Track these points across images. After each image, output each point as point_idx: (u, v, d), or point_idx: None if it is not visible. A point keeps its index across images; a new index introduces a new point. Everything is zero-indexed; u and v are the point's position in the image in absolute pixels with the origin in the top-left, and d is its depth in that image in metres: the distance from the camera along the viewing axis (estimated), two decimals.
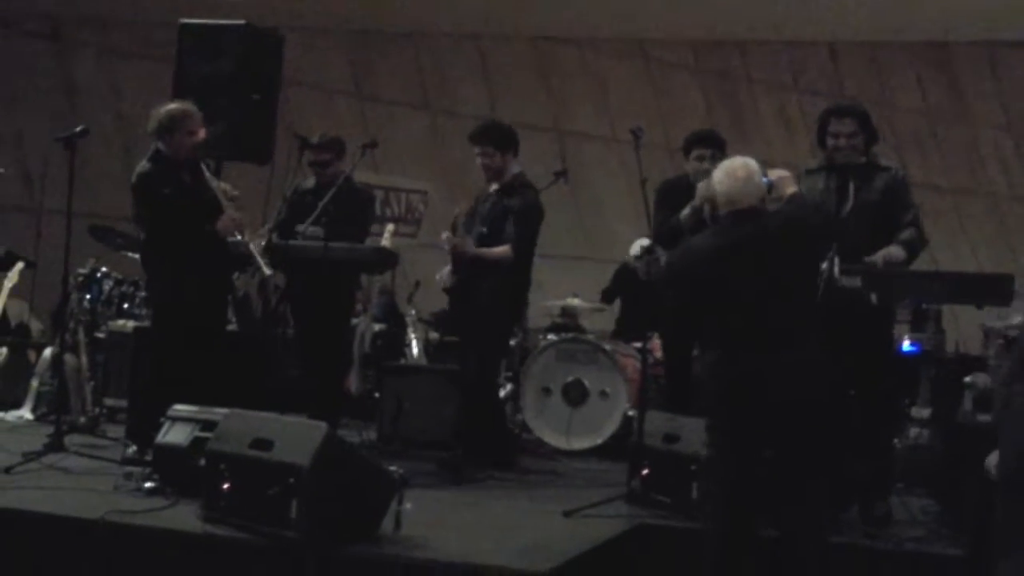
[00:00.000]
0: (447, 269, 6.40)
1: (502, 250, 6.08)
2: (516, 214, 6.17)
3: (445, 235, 6.05)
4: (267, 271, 5.88)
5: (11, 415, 7.18)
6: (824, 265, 4.85)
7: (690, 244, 4.66)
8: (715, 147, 6.21)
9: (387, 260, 6.58)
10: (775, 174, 4.71)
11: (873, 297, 4.96)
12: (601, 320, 8.64)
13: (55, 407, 6.33)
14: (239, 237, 5.84)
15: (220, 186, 5.89)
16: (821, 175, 5.34)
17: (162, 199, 5.86)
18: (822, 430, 4.30)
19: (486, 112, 12.95)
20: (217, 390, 5.46)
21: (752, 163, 4.54)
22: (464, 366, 6.39)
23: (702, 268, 4.47)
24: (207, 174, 5.90)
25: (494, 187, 6.42)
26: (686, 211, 5.96)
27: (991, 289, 5.10)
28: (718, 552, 4.32)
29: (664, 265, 4.73)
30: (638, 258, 7.98)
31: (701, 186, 5.54)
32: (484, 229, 6.33)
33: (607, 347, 7.33)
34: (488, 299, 6.21)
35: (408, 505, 4.60)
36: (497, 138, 6.45)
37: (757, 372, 4.25)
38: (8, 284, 7.64)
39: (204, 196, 5.87)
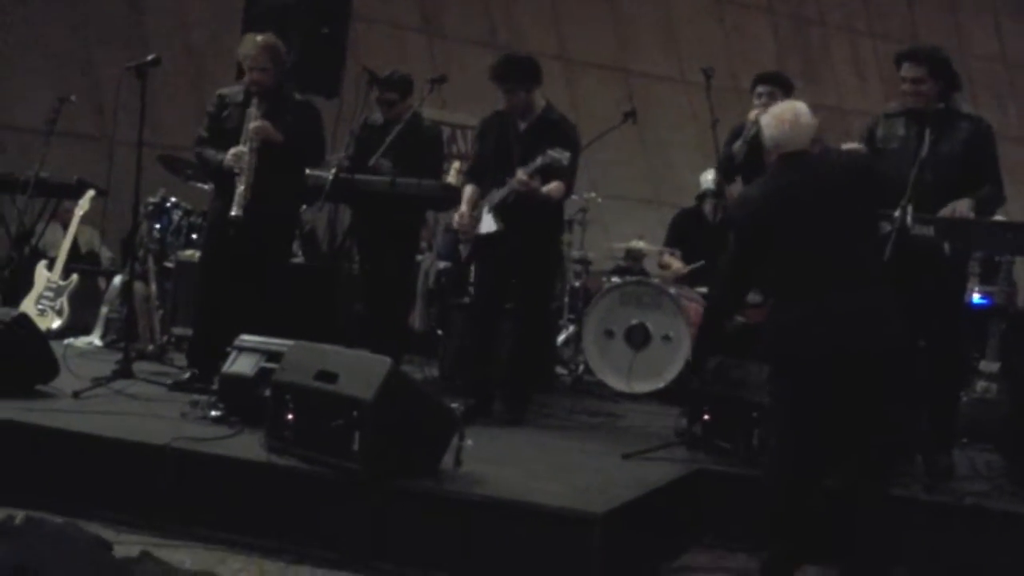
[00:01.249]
0: (487, 214, 6.09)
1: (557, 186, 5.98)
2: (567, 149, 5.91)
3: (520, 172, 5.87)
4: (236, 211, 5.83)
5: (81, 340, 7.31)
6: (896, 213, 4.76)
7: (744, 192, 4.63)
8: (778, 86, 6.14)
9: (453, 197, 6.57)
10: (848, 147, 4.68)
11: (946, 247, 4.86)
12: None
13: (124, 334, 6.44)
14: (237, 173, 5.85)
15: (254, 124, 5.88)
16: (900, 120, 5.20)
17: (204, 125, 6.12)
18: (888, 380, 4.23)
19: (554, 50, 12.86)
20: (283, 322, 5.52)
21: (801, 107, 4.48)
22: (524, 303, 6.25)
23: (755, 216, 4.43)
24: (253, 109, 5.91)
25: (523, 125, 6.09)
26: (739, 143, 5.96)
27: None
28: (779, 504, 4.29)
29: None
30: (701, 197, 7.92)
31: (757, 121, 5.55)
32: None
33: (671, 291, 7.29)
34: (545, 237, 6.14)
35: (469, 442, 4.63)
36: (518, 76, 6.05)
37: (813, 318, 4.19)
38: (79, 212, 7.74)
39: (237, 128, 5.92)
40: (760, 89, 6.15)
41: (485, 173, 6.15)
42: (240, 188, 5.82)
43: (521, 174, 5.82)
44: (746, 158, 5.94)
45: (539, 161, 5.78)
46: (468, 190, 6.21)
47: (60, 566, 0.68)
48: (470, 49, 12.81)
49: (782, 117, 4.43)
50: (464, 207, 6.15)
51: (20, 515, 0.96)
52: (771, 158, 4.47)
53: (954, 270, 5.18)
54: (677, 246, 7.93)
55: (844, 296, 4.20)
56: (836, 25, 16.01)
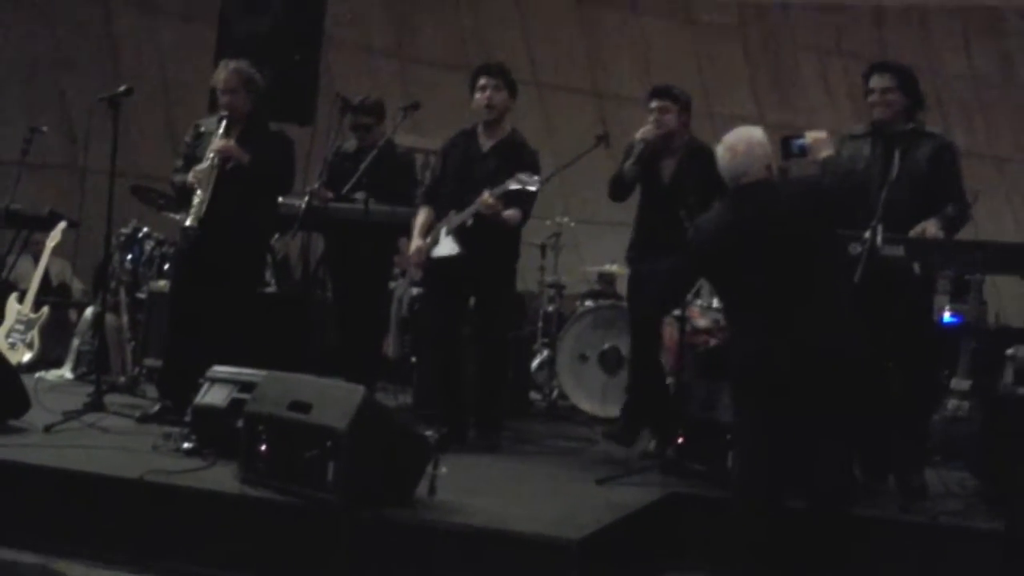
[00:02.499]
0: (446, 236, 5.97)
1: (514, 213, 5.88)
2: (533, 174, 5.84)
3: (486, 194, 5.82)
4: (190, 222, 5.81)
5: (52, 374, 7.27)
6: (867, 234, 4.80)
7: (699, 222, 4.56)
8: (671, 100, 5.93)
9: None
10: (812, 135, 4.63)
11: (916, 266, 4.89)
12: None
13: (95, 366, 6.40)
14: (194, 187, 5.84)
15: (217, 143, 5.87)
16: (867, 141, 5.23)
17: (180, 154, 6.18)
18: (847, 391, 4.22)
19: (527, 74, 12.88)
20: (255, 352, 5.50)
21: (755, 134, 4.42)
22: (484, 328, 6.13)
23: (706, 248, 4.42)
24: (219, 130, 5.91)
25: (487, 145, 6.01)
26: (628, 163, 5.87)
27: None
28: (749, 524, 4.30)
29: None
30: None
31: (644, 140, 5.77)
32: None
33: None
34: (505, 262, 6.07)
35: (443, 470, 4.62)
36: (506, 76, 6.01)
37: (771, 350, 4.18)
38: (51, 243, 7.71)
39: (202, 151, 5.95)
40: (653, 104, 5.92)
41: (441, 195, 6.10)
42: (195, 200, 5.79)
43: (488, 196, 5.78)
44: (638, 177, 5.90)
45: (508, 185, 5.77)
46: (423, 214, 6.13)
47: None
48: (443, 74, 12.83)
49: (735, 148, 4.37)
50: (418, 240, 6.03)
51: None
52: (728, 185, 4.41)
53: (923, 289, 5.22)
54: None
55: (799, 317, 4.18)
56: (805, 45, 16.12)
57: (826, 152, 4.56)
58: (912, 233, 4.95)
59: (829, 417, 4.24)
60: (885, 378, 5.05)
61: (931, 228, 4.96)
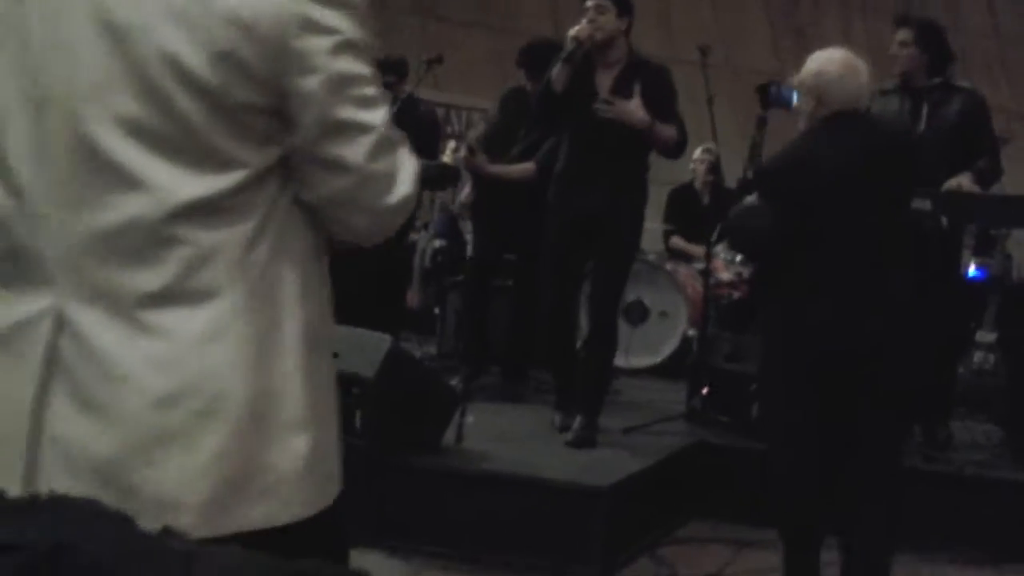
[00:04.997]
0: None
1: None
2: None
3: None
4: None
5: None
6: None
7: (786, 152, 3.85)
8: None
9: (448, 176, 6.58)
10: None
11: (944, 220, 4.88)
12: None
13: None
14: None
15: None
16: (895, 96, 5.20)
17: None
18: (907, 384, 3.78)
19: (550, 31, 12.82)
20: None
21: (857, 59, 3.80)
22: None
23: (799, 180, 3.67)
24: None
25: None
26: (556, 67, 4.92)
27: None
28: (788, 515, 3.82)
29: (759, 173, 3.92)
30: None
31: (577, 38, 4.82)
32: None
33: (668, 267, 7.31)
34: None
35: (470, 418, 4.65)
36: None
37: (836, 311, 3.58)
38: None
39: None
40: (588, 2, 4.97)
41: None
42: None
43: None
44: (569, 89, 4.90)
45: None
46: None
47: (92, 540, 0.69)
48: (463, 31, 12.78)
49: (845, 64, 3.73)
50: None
51: (44, 492, 1.00)
52: (815, 111, 3.73)
53: (950, 243, 5.20)
54: (674, 222, 7.96)
55: (867, 288, 3.62)
56: (828, 1, 15.99)
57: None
58: (948, 187, 4.92)
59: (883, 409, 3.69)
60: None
61: (965, 182, 4.93)
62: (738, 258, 6.91)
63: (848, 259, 3.60)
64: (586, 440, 4.89)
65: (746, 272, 6.79)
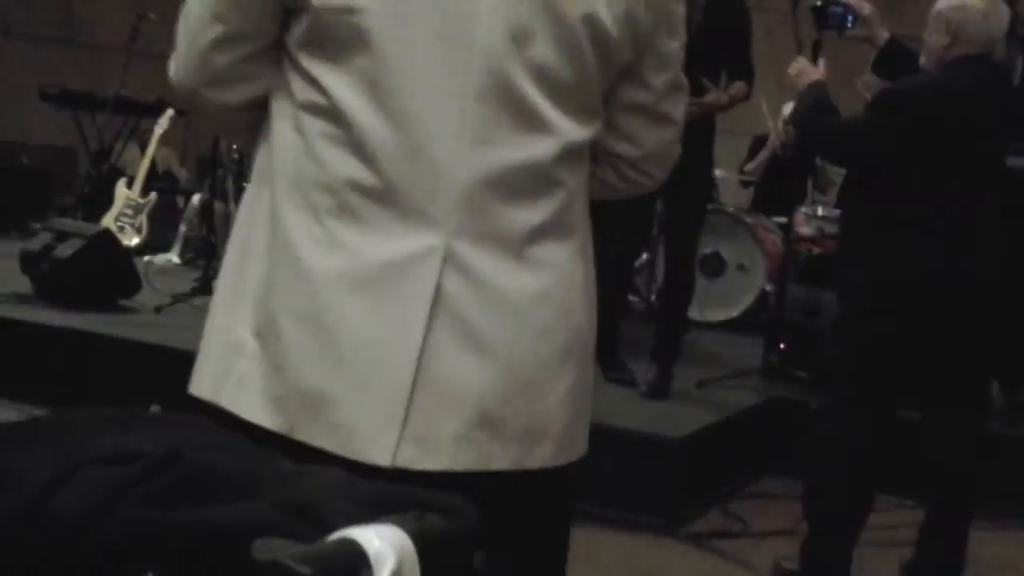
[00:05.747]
0: None
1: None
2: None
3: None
4: None
5: (159, 258, 7.41)
6: None
7: (919, 79, 3.61)
8: None
9: None
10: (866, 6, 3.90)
11: None
12: (745, 194, 8.49)
13: (203, 252, 6.52)
14: None
15: None
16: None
17: None
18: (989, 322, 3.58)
19: None
20: None
21: None
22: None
23: (925, 110, 3.46)
24: None
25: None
26: None
27: None
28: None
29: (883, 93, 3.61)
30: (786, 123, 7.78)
31: None
32: None
33: (748, 220, 7.23)
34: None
35: None
36: None
37: (929, 249, 3.43)
38: (159, 131, 7.81)
39: None
40: None
41: None
42: None
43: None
44: None
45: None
46: None
47: (203, 449, 0.71)
48: None
49: (999, 8, 3.51)
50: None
51: (154, 407, 1.03)
52: (947, 50, 3.50)
53: None
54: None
55: (966, 234, 3.47)
56: None
57: (879, 31, 3.82)
58: None
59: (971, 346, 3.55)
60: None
61: None
62: (820, 212, 6.82)
63: (954, 203, 3.44)
64: (660, 390, 4.88)
65: (828, 227, 6.70)
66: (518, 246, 1.53)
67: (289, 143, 1.53)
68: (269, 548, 0.68)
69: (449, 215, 1.50)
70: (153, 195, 7.79)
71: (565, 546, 1.73)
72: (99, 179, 7.99)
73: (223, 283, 1.64)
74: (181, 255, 7.53)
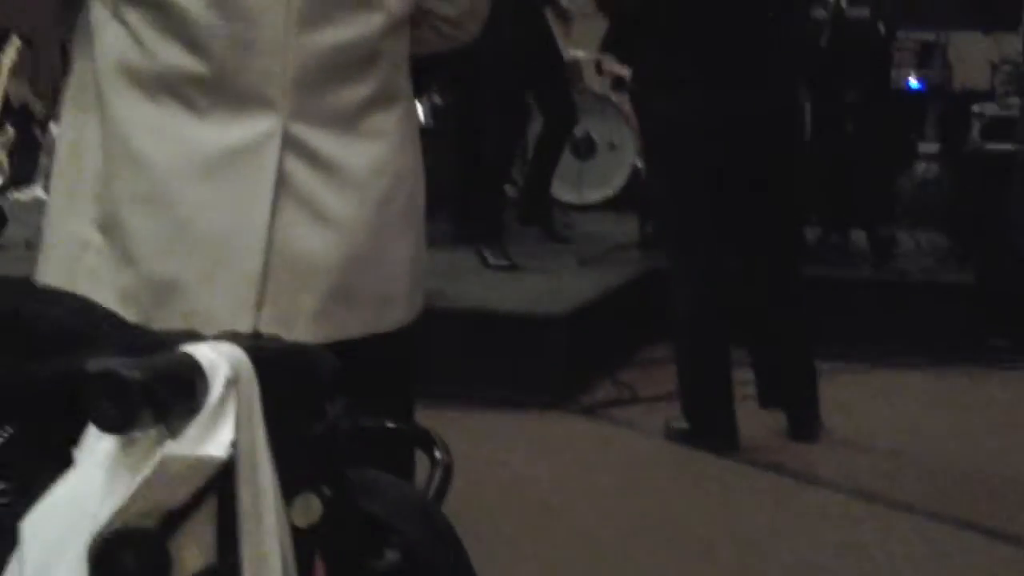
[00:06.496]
0: None
1: None
2: None
3: None
4: None
5: (24, 193, 7.23)
6: None
7: None
8: None
9: None
10: None
11: (881, 27, 4.89)
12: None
13: None
14: None
15: None
16: None
17: None
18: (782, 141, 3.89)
19: None
20: None
21: None
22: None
23: None
24: None
25: None
26: None
27: (998, 11, 5.03)
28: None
29: None
30: None
31: None
32: None
33: (613, 98, 7.29)
34: None
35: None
36: None
37: (736, 125, 3.68)
38: (7, 63, 7.55)
39: None
40: None
41: None
42: None
43: None
44: None
45: None
46: None
47: (44, 308, 0.73)
48: None
49: None
50: None
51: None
52: None
53: (885, 51, 5.23)
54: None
55: (755, 90, 3.73)
56: None
57: None
58: None
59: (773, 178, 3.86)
60: (843, 141, 5.09)
61: None
62: None
63: (721, 52, 3.66)
64: None
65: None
66: (352, 120, 1.57)
67: (112, 33, 1.53)
68: (102, 362, 0.71)
69: (284, 99, 1.52)
70: (10, 130, 7.56)
71: (411, 396, 1.81)
72: None
73: (57, 182, 1.62)
74: (45, 188, 7.35)
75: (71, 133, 1.60)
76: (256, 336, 0.82)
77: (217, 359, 0.75)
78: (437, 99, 6.29)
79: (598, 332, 4.68)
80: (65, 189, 1.59)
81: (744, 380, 4.07)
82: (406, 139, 1.65)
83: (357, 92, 1.57)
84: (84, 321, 0.84)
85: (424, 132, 5.91)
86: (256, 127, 1.51)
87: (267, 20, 1.50)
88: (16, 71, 7.78)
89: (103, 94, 1.52)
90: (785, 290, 3.96)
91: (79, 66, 1.59)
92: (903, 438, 4.13)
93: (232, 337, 0.79)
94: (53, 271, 1.58)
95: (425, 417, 3.96)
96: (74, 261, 1.55)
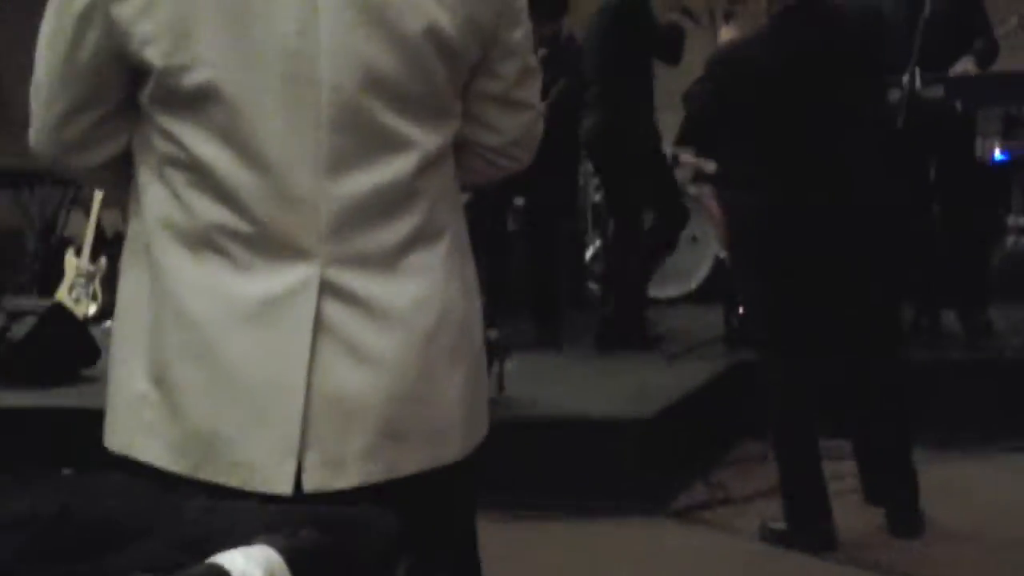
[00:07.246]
0: None
1: None
2: None
3: None
4: None
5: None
6: (905, 78, 4.74)
7: (736, 45, 3.86)
8: None
9: None
10: None
11: (958, 105, 4.83)
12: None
13: None
14: None
15: None
16: None
17: None
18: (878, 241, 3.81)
19: None
20: None
21: None
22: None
23: (746, 77, 3.68)
24: None
25: None
26: None
27: None
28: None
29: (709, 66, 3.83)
30: None
31: None
32: None
33: (692, 191, 7.28)
34: None
35: (510, 366, 4.67)
36: None
37: (819, 218, 3.63)
38: (100, 194, 7.79)
39: None
40: None
41: None
42: None
43: None
44: None
45: None
46: None
47: (98, 502, 0.74)
48: None
49: None
50: None
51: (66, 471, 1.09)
52: (769, 7, 3.71)
53: (966, 128, 5.16)
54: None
55: (851, 191, 3.67)
56: None
57: None
58: (953, 72, 4.89)
59: (868, 271, 3.79)
60: (931, 221, 5.03)
61: (969, 66, 4.90)
62: None
63: (799, 147, 3.63)
64: None
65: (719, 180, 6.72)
66: (391, 259, 1.58)
67: (157, 194, 1.58)
68: None
69: (319, 246, 1.54)
70: (103, 261, 7.77)
71: (475, 526, 1.79)
72: (47, 253, 7.97)
73: (118, 334, 1.67)
74: None
75: (127, 287, 1.65)
76: (291, 533, 0.81)
77: (248, 568, 0.75)
78: (519, 200, 6.34)
79: (687, 431, 4.62)
80: (123, 342, 1.64)
81: (841, 473, 3.98)
82: (452, 272, 1.65)
83: (395, 232, 1.59)
84: (140, 514, 0.84)
85: (508, 235, 6.04)
86: (294, 276, 1.54)
87: (297, 172, 1.53)
88: (109, 201, 8.04)
89: (151, 250, 1.57)
90: (882, 381, 3.85)
91: (132, 223, 1.65)
92: (1013, 527, 3.98)
93: (268, 534, 0.79)
94: (119, 432, 1.63)
95: (522, 529, 3.95)
96: (133, 417, 1.59)
